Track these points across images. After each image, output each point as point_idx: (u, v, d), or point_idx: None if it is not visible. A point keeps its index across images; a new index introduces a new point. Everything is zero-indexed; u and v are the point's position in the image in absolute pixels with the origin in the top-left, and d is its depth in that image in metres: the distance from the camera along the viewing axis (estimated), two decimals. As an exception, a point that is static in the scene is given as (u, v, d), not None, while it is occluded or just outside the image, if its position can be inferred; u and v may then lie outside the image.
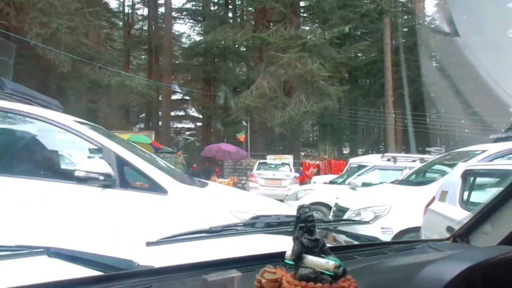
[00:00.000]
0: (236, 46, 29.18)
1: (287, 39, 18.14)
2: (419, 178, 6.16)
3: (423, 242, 1.23)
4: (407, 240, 1.41)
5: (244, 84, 32.00)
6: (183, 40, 37.82)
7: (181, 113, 39.52)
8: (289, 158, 16.71)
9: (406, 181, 6.17)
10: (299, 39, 18.32)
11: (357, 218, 5.46)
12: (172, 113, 33.39)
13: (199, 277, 0.70)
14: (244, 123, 20.88)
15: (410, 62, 35.57)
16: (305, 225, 0.71)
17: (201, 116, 36.46)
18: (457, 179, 4.00)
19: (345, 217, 5.52)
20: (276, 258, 0.86)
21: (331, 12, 21.12)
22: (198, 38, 35.07)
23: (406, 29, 39.07)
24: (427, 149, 43.44)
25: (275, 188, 12.32)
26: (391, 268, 0.94)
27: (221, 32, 19.43)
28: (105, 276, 0.81)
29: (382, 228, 5.13)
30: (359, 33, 34.22)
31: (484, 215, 1.19)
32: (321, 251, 0.69)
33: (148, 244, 0.99)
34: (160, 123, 31.17)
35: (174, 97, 33.55)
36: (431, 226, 4.20)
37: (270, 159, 16.46)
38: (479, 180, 4.01)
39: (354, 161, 13.91)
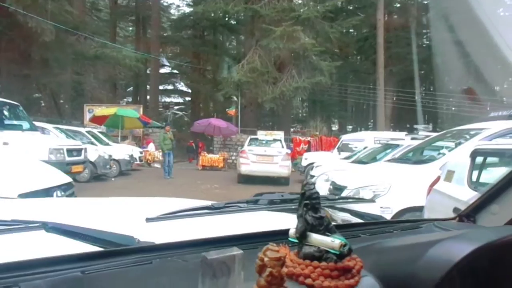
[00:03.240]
0: (227, 18, 28.42)
1: (279, 11, 17.58)
2: (418, 157, 5.97)
3: (429, 221, 1.21)
4: (412, 219, 1.31)
5: (234, 58, 31.39)
6: (172, 11, 36.73)
7: (170, 87, 38.84)
8: (280, 134, 16.46)
9: (404, 159, 5.96)
10: (292, 12, 17.77)
11: (356, 197, 5.28)
12: (161, 87, 32.73)
13: (200, 254, 0.68)
14: (235, 98, 20.47)
15: (400, 39, 35.24)
16: (310, 202, 0.69)
17: (190, 91, 35.85)
18: (465, 159, 3.80)
19: (343, 194, 5.34)
20: (279, 235, 0.86)
21: (325, -15, 20.50)
22: (187, 10, 34.06)
23: (398, 5, 38.55)
24: (415, 126, 43.69)
25: (267, 164, 12.10)
26: (397, 247, 0.91)
27: (212, 3, 18.74)
28: (105, 251, 0.79)
29: (381, 207, 4.94)
30: (351, 8, 33.55)
31: (492, 195, 1.17)
32: (326, 229, 0.68)
33: (148, 220, 0.95)
34: (148, 97, 30.52)
35: (162, 70, 32.82)
36: (435, 206, 4.01)
37: (261, 135, 16.19)
38: (489, 160, 3.81)
39: (346, 137, 13.75)
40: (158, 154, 17.32)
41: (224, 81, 18.27)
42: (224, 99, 27.77)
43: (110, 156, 12.16)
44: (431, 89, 41.82)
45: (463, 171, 3.78)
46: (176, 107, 39.39)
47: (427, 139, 6.72)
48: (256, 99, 19.88)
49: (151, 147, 17.99)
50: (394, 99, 31.17)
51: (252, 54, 18.40)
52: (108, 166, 11.94)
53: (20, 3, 13.49)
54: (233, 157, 18.00)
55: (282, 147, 12.80)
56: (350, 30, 34.60)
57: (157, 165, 17.07)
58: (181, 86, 39.01)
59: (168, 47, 33.63)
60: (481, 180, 3.62)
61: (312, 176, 8.11)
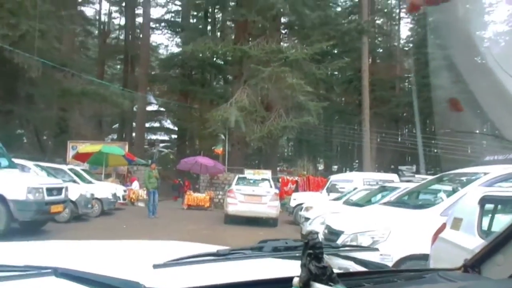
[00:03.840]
0: (215, 59, 28.75)
1: (268, 52, 17.81)
2: (416, 201, 5.76)
3: (433, 271, 1.20)
4: (416, 269, 1.37)
5: (221, 97, 31.55)
6: (160, 51, 37.17)
7: (156, 124, 38.59)
8: (267, 173, 16.19)
9: (401, 203, 5.73)
10: (281, 53, 18.03)
11: (353, 243, 4.99)
12: (147, 125, 32.45)
13: None
14: (223, 137, 20.30)
15: (385, 83, 36.17)
16: (313, 252, 0.68)
17: (176, 128, 35.65)
18: (473, 206, 3.59)
19: (339, 241, 5.04)
20: (283, 283, 0.86)
21: (312, 29, 21.01)
22: (176, 50, 34.51)
23: (381, 50, 39.85)
24: (399, 167, 43.96)
25: (255, 204, 11.72)
26: None
27: (201, 43, 18.93)
28: None
29: (381, 254, 4.64)
30: (336, 52, 34.42)
31: (497, 245, 1.16)
32: (329, 279, 0.67)
33: (155, 266, 0.95)
34: (134, 134, 30.15)
35: (149, 108, 32.69)
36: (442, 255, 3.74)
37: (249, 173, 15.89)
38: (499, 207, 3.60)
39: (334, 178, 13.55)
40: (143, 193, 16.78)
41: (212, 118, 18.13)
42: (211, 137, 27.66)
43: (92, 195, 11.64)
44: (414, 131, 42.62)
45: (472, 219, 3.56)
46: (162, 145, 38.98)
47: (422, 182, 6.54)
48: (244, 138, 19.74)
49: (135, 185, 17.46)
50: (378, 140, 31.48)
51: (240, 93, 18.44)
52: (90, 206, 11.41)
53: (7, 40, 13.31)
54: (219, 196, 17.57)
55: (271, 186, 12.51)
56: (335, 73, 35.33)
57: (141, 204, 16.50)
58: (168, 124, 38.82)
59: (155, 85, 33.71)
60: (493, 229, 3.40)
61: (307, 219, 7.78)
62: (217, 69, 33.72)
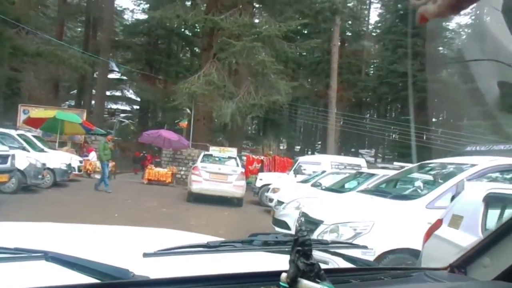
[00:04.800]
0: (184, 29, 27.43)
1: (240, 26, 16.95)
2: (399, 190, 5.41)
3: (420, 270, 1.20)
4: (403, 267, 1.33)
5: (188, 70, 30.36)
6: (126, 17, 35.12)
7: (118, 93, 36.80)
8: (233, 151, 15.61)
9: (382, 192, 5.37)
10: (253, 28, 17.24)
11: (334, 234, 4.58)
12: (108, 93, 30.76)
13: None
14: (188, 111, 19.45)
15: (352, 66, 36.20)
16: (302, 249, 0.69)
17: (139, 99, 34.17)
18: (476, 204, 3.24)
19: (319, 231, 4.63)
20: (271, 277, 0.86)
21: (286, 5, 20.27)
22: (142, 17, 32.67)
23: (350, 34, 39.69)
24: (360, 151, 44.78)
25: (220, 183, 11.17)
26: None
27: (170, 10, 17.74)
28: (102, 284, 0.80)
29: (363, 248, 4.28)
30: (306, 32, 33.87)
31: (484, 246, 1.17)
32: (317, 276, 0.68)
33: (145, 255, 0.94)
34: (93, 102, 28.49)
35: (111, 75, 30.97)
36: (436, 254, 3.38)
37: (214, 150, 15.21)
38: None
39: (302, 160, 13.20)
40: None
41: (178, 91, 17.19)
42: (175, 110, 26.63)
43: (43, 164, 10.62)
44: (375, 116, 43.36)
45: (475, 217, 3.20)
46: (122, 115, 37.38)
47: (401, 170, 6.22)
48: (210, 113, 18.99)
49: (92, 156, 16.36)
50: (341, 123, 31.59)
51: (209, 67, 17.56)
52: (40, 176, 10.40)
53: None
54: (182, 172, 16.87)
55: (237, 165, 11.97)
56: (303, 54, 34.88)
57: (98, 176, 15.52)
58: (130, 94, 37.13)
59: (118, 52, 31.91)
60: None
61: (280, 203, 7.34)
62: (185, 40, 32.33)
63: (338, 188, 7.70)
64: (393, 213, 4.55)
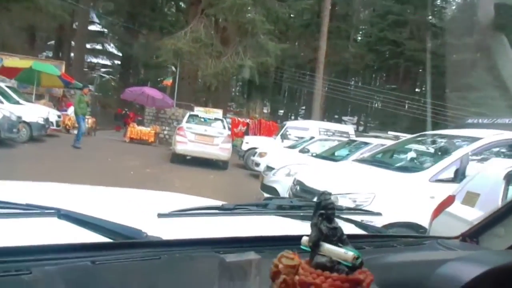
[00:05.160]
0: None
1: (231, -20, 16.03)
2: (400, 162, 5.16)
3: (432, 238, 1.21)
4: (415, 235, 1.37)
5: (173, 25, 29.04)
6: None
7: (98, 47, 35.18)
8: (219, 113, 15.12)
9: (380, 163, 5.12)
10: (245, -16, 16.36)
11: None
12: (88, 46, 29.32)
13: (209, 253, 0.75)
14: (173, 68, 18.68)
15: (341, 31, 35.38)
16: (325, 213, 0.68)
17: (120, 54, 32.78)
18: (496, 181, 3.00)
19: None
20: (289, 241, 0.85)
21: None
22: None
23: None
24: (343, 118, 44.80)
25: (206, 145, 10.79)
26: (402, 263, 0.91)
27: (157, -42, 16.57)
28: (115, 243, 0.79)
29: (362, 220, 4.05)
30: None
31: (498, 217, 1.14)
32: (339, 240, 0.67)
33: (160, 215, 0.94)
34: (72, 54, 27.11)
35: (91, 27, 29.41)
36: (446, 231, 3.17)
37: (199, 111, 14.65)
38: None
39: (290, 125, 12.88)
40: (80, 120, 15.15)
41: (163, 47, 16.36)
42: (159, 67, 25.66)
43: (19, 117, 9.98)
44: (359, 84, 43.06)
45: (494, 195, 2.96)
46: (103, 70, 35.98)
47: (399, 140, 5.97)
48: (196, 72, 18.30)
49: (71, 111, 15.60)
50: (326, 89, 31.21)
51: (197, 23, 16.70)
52: (15, 130, 9.78)
53: None
54: (165, 132, 16.38)
55: (224, 127, 11.58)
56: (291, 15, 33.82)
57: (76, 132, 14.93)
58: (111, 48, 35.57)
59: (100, 2, 30.18)
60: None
61: (271, 169, 7.05)
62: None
63: (329, 155, 7.44)
64: (395, 186, 4.31)
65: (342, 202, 4.26)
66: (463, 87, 25.28)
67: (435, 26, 32.24)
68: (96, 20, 31.40)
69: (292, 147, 11.00)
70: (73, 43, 26.84)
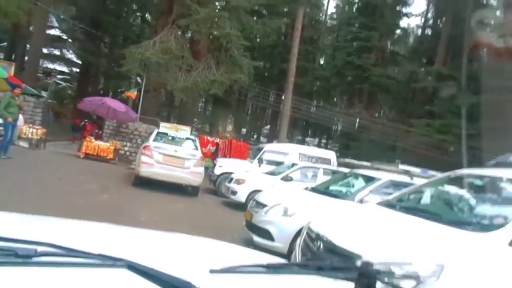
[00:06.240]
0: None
1: (207, -9, 14.80)
2: (445, 211, 3.95)
3: None
4: None
5: (138, 36, 27.30)
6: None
7: (56, 52, 32.54)
8: (187, 130, 13.51)
9: (423, 212, 3.85)
10: (221, -4, 15.19)
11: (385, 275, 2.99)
12: (45, 50, 26.81)
13: None
14: (139, 79, 16.96)
15: (308, 54, 35.08)
16: (368, 281, 0.66)
17: (80, 62, 30.40)
18: None
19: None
20: None
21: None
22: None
23: (309, 21, 38.41)
24: (306, 139, 44.28)
25: (176, 168, 9.22)
26: None
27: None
28: None
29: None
30: (265, 13, 32.09)
31: None
32: None
33: (212, 271, 0.98)
34: (26, 58, 24.55)
35: (50, 31, 26.99)
36: None
37: (165, 127, 12.93)
38: None
39: (269, 148, 11.57)
40: (28, 130, 13.09)
41: (129, 56, 14.66)
42: (120, 78, 23.75)
43: None
44: (321, 104, 42.91)
45: None
46: (59, 76, 33.26)
47: (431, 180, 4.78)
48: (162, 85, 16.68)
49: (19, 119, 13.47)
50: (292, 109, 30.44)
51: (167, 33, 15.22)
52: None
53: None
54: (126, 148, 14.57)
55: (196, 148, 10.09)
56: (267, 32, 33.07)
57: (22, 144, 12.85)
58: (70, 54, 33.05)
59: (60, 5, 27.81)
60: None
61: (260, 205, 5.67)
62: (138, 3, 29.02)
63: (330, 191, 6.18)
64: (468, 252, 3.07)
65: (398, 272, 2.96)
66: (425, 114, 25.38)
67: (399, 54, 32.66)
68: (56, 24, 29.02)
69: (272, 174, 9.71)
70: (28, 46, 24.33)
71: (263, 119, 49.21)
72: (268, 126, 42.38)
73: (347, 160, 9.60)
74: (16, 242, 0.87)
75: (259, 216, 5.51)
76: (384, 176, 5.80)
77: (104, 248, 0.95)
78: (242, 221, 6.33)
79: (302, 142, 38.02)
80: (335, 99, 46.05)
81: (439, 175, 6.49)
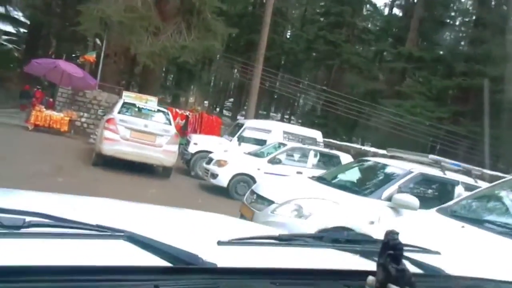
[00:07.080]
0: None
1: None
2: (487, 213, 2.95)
3: (495, 282, 1.06)
4: (476, 277, 1.02)
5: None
6: None
7: (1, 10, 28.80)
8: (154, 101, 11.85)
9: (503, 228, 2.86)
10: (194, -50, 13.29)
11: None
12: (-14, 7, 23.42)
13: (266, 284, 0.73)
14: (98, 41, 14.90)
15: (278, 26, 33.51)
16: (394, 253, 0.64)
17: (28, 21, 27.13)
18: None
19: None
20: (347, 276, 0.83)
21: None
22: None
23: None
24: (271, 114, 43.21)
25: (146, 146, 7.75)
26: None
27: None
28: (175, 268, 0.78)
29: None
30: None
31: None
32: (408, 283, 0.63)
33: (220, 243, 0.93)
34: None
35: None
36: None
37: (129, 97, 11.20)
38: None
39: (250, 125, 10.25)
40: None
41: (87, 14, 12.57)
42: (75, 40, 21.29)
43: None
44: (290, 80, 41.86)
45: None
46: (4, 37, 29.69)
47: (494, 184, 3.74)
48: (125, 49, 14.73)
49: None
50: (266, 85, 29.08)
51: (132, -12, 13.21)
52: None
53: None
54: (83, 120, 12.72)
55: (170, 123, 8.62)
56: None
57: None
58: (16, 13, 29.44)
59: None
60: None
61: (263, 200, 4.47)
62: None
63: (342, 182, 5.07)
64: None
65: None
66: (395, 95, 25.00)
67: (370, 32, 31.86)
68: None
69: (255, 154, 8.49)
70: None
71: (226, 92, 47.39)
72: (232, 100, 40.82)
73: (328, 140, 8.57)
74: (1, 212, 0.79)
75: (264, 215, 4.30)
76: (415, 168, 4.74)
77: (102, 221, 0.89)
78: (229, 210, 5.17)
79: (268, 117, 36.96)
80: (302, 74, 45.12)
81: (476, 168, 5.58)
